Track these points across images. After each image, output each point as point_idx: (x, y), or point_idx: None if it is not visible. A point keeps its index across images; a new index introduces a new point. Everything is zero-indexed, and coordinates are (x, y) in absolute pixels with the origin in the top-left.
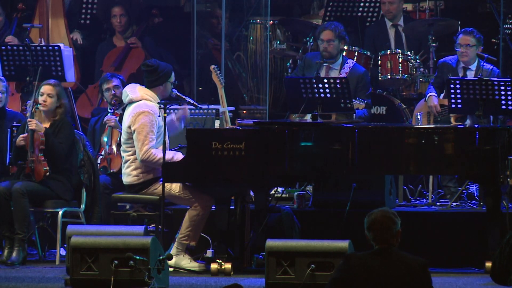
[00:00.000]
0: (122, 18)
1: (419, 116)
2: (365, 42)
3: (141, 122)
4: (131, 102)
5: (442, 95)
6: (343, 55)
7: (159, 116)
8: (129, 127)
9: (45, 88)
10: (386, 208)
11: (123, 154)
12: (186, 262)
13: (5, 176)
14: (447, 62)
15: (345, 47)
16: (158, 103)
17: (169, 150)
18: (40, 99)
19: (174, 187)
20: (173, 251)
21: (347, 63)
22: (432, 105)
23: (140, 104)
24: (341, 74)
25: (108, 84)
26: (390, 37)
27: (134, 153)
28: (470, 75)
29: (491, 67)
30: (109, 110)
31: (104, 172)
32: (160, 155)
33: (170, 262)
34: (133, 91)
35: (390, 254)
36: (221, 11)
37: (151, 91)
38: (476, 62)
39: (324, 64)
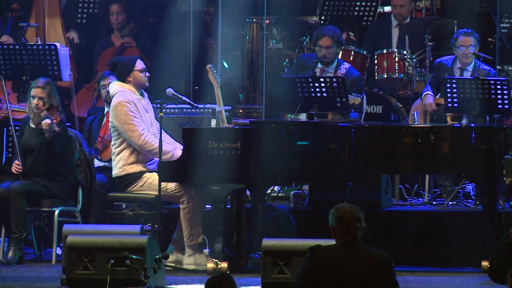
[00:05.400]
0: (120, 16)
1: (415, 115)
2: (366, 37)
3: (120, 113)
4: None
5: (439, 95)
6: (338, 58)
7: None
8: (112, 122)
9: (35, 92)
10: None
11: (112, 148)
12: (203, 260)
13: (1, 175)
14: (442, 62)
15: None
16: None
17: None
18: (33, 102)
19: (162, 183)
20: (187, 253)
21: (343, 64)
22: (427, 103)
23: (116, 96)
24: None
25: (104, 81)
26: (393, 36)
27: (120, 145)
28: (467, 75)
29: (488, 68)
30: (106, 109)
31: (95, 155)
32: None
33: (190, 264)
34: (110, 87)
35: (355, 247)
36: (215, 9)
37: (125, 84)
38: (473, 62)
39: (319, 66)
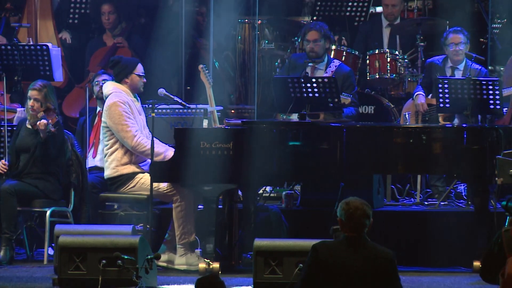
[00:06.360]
0: (111, 16)
1: (407, 115)
2: (357, 38)
3: (114, 113)
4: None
5: (430, 95)
6: (328, 56)
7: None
8: (105, 122)
9: (31, 93)
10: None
11: (104, 150)
12: (195, 260)
13: None
14: (434, 62)
15: (333, 47)
16: (148, 101)
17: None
18: (29, 103)
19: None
20: (179, 253)
21: (333, 62)
22: (418, 104)
23: (110, 97)
24: (326, 74)
25: (97, 78)
26: (384, 36)
27: (112, 146)
28: (458, 74)
29: (480, 67)
30: (98, 108)
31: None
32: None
33: (181, 264)
34: (105, 87)
35: (360, 244)
36: (207, 9)
37: (120, 85)
38: (464, 61)
39: (309, 64)
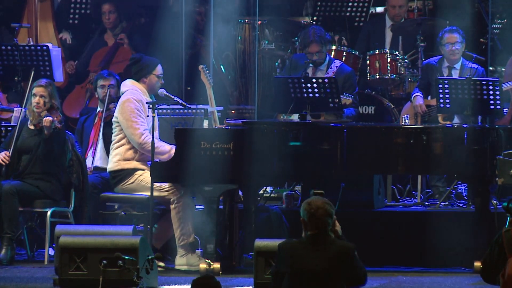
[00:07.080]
0: (111, 15)
1: (405, 119)
2: (360, 37)
3: (126, 109)
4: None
5: (429, 97)
6: (329, 56)
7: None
8: (116, 117)
9: (37, 90)
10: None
11: (111, 145)
12: (196, 260)
13: None
14: (430, 63)
15: (334, 47)
16: (147, 103)
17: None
18: (34, 100)
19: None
20: (179, 254)
21: (334, 62)
22: (417, 105)
23: (126, 93)
24: (327, 74)
25: (104, 82)
26: (387, 37)
27: (119, 141)
28: (455, 74)
29: (476, 66)
30: (99, 108)
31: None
32: (158, 144)
33: (182, 265)
34: (123, 84)
35: (322, 240)
36: (206, 9)
37: (139, 83)
38: (461, 61)
39: (310, 65)
